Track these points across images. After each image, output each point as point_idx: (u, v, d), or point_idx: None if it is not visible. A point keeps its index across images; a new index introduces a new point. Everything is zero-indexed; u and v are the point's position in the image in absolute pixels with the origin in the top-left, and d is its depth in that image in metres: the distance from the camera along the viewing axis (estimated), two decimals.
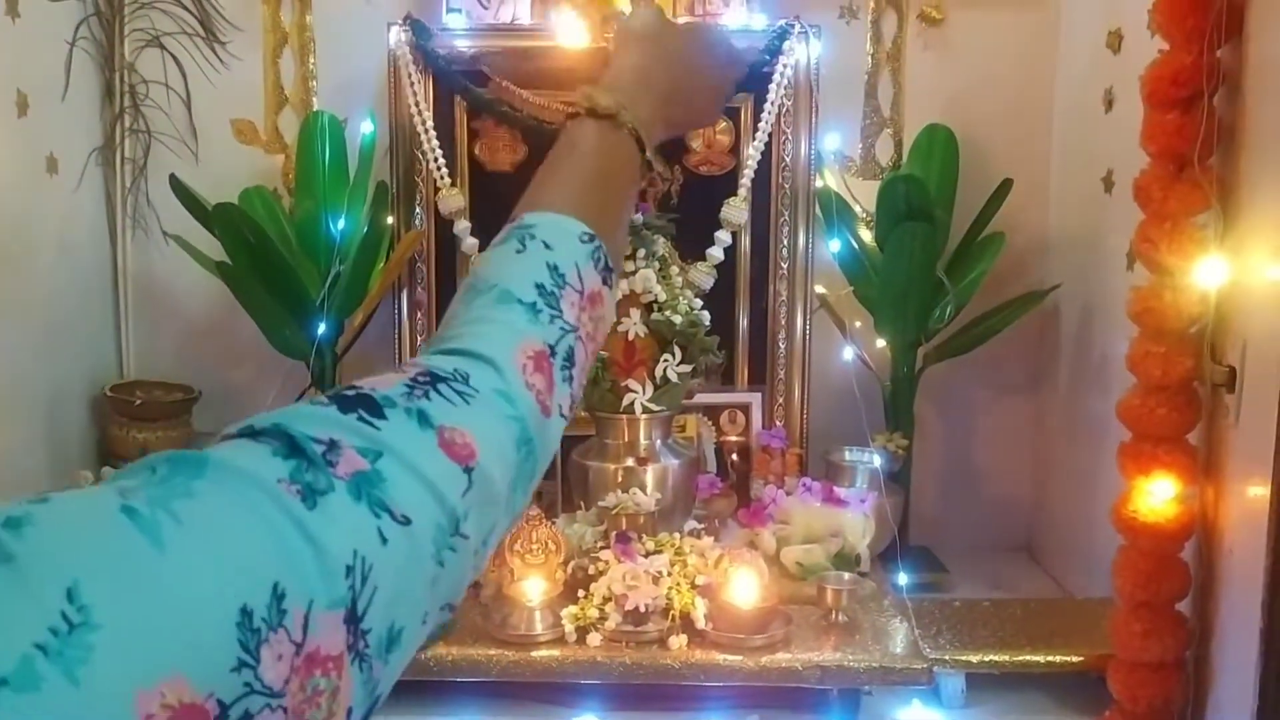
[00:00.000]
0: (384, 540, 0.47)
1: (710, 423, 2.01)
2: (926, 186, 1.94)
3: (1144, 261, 1.47)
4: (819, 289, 2.04)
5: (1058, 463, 2.13)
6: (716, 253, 1.88)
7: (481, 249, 1.96)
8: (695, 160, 2.00)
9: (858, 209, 2.09)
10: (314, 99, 2.17)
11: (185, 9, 2.12)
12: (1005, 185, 2.01)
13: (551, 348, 0.62)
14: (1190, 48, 1.38)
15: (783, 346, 2.01)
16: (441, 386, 0.55)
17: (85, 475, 1.91)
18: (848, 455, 1.98)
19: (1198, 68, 1.37)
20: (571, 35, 1.92)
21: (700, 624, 1.50)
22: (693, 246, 1.88)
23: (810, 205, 1.99)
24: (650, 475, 1.74)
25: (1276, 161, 1.31)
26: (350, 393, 0.53)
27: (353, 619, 0.45)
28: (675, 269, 1.82)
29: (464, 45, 1.95)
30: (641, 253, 1.77)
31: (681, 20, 1.91)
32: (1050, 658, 1.62)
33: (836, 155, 2.13)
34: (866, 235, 2.06)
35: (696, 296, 1.82)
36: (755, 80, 1.90)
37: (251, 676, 0.40)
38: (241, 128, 2.16)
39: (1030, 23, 2.14)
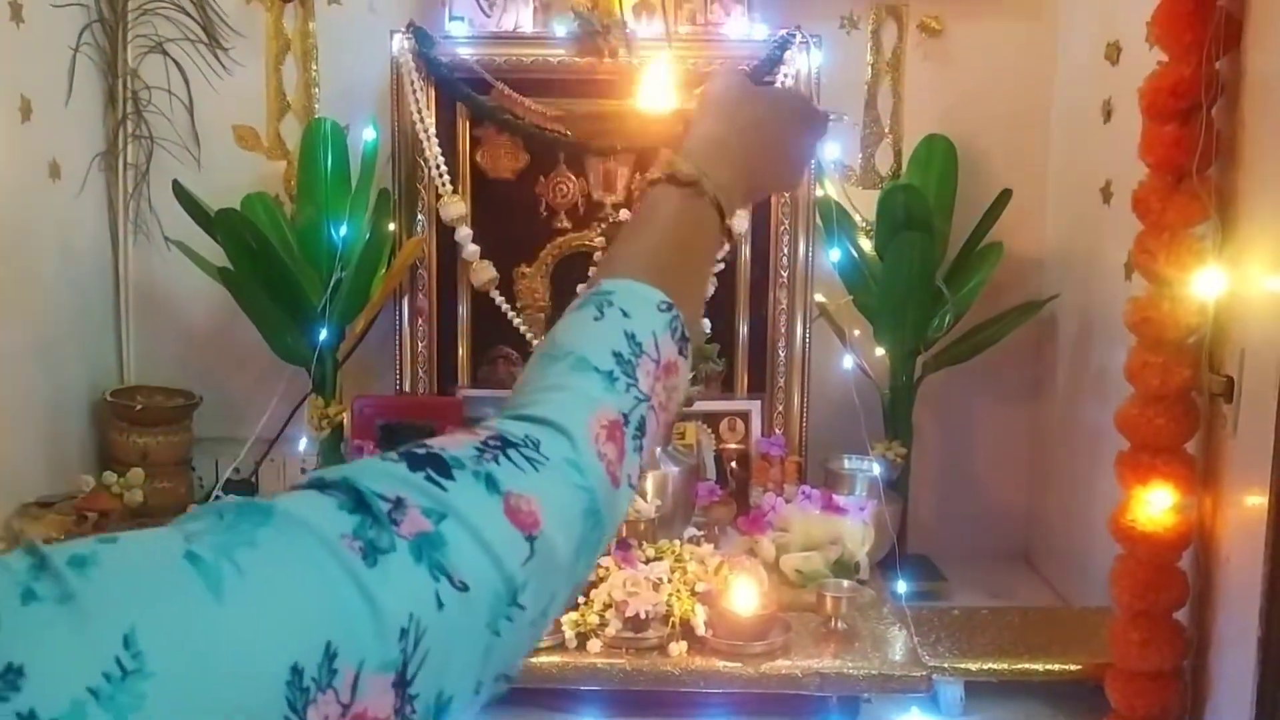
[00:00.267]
0: (440, 605, 0.46)
1: (710, 430, 2.02)
2: (926, 196, 1.95)
3: (1142, 272, 1.48)
4: (819, 297, 2.05)
5: (1056, 471, 2.14)
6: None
7: (482, 256, 1.99)
8: None
9: (857, 218, 2.10)
10: (316, 105, 2.18)
11: (188, 15, 2.13)
12: (1004, 195, 2.02)
13: (625, 417, 0.61)
14: (1189, 59, 1.38)
15: (782, 355, 2.02)
16: (511, 452, 0.54)
17: (86, 479, 1.91)
18: (847, 463, 1.99)
19: (1196, 79, 1.38)
20: (654, 100, 1.90)
21: (700, 631, 1.51)
22: None
23: (810, 214, 2.00)
24: (650, 482, 1.75)
25: (1275, 173, 1.32)
26: (420, 451, 0.52)
27: (402, 683, 0.44)
28: None
29: (466, 53, 1.95)
30: None
31: (763, 86, 1.91)
32: (1049, 666, 1.62)
33: (836, 165, 2.14)
34: (866, 244, 2.07)
35: None
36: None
37: None
38: (244, 134, 2.17)
39: (1029, 34, 2.15)
